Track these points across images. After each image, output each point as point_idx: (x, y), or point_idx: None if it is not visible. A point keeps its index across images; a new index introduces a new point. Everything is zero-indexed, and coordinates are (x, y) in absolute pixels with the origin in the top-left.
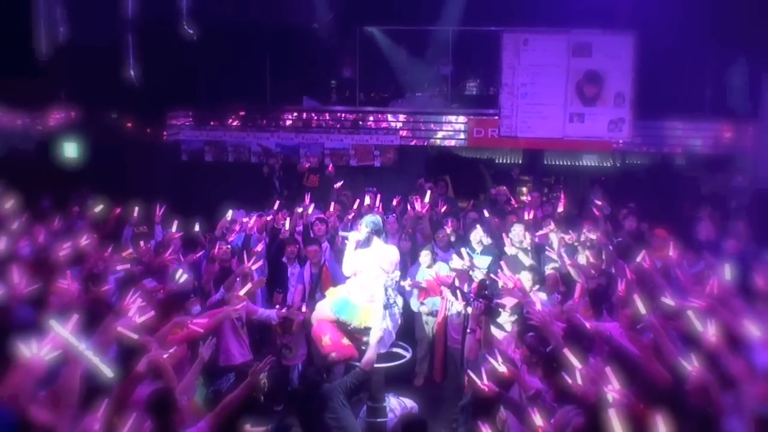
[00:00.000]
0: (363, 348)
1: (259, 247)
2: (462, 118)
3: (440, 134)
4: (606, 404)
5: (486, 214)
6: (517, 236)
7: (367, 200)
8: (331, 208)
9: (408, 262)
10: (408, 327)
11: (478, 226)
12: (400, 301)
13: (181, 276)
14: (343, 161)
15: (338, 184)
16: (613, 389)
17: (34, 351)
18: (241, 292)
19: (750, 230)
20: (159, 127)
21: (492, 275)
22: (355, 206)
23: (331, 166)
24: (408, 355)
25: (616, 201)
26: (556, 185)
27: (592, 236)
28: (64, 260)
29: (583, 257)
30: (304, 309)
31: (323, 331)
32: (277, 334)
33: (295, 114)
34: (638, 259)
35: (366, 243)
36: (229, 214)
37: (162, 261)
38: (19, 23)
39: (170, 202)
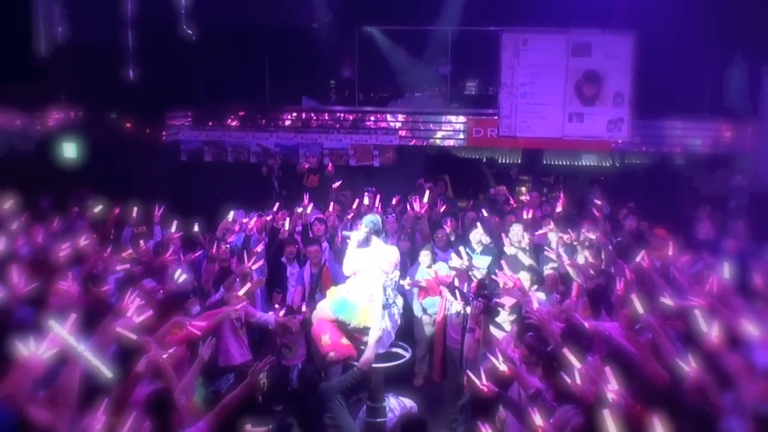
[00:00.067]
0: (362, 348)
1: (259, 248)
2: (461, 118)
3: (439, 134)
4: (605, 404)
5: (485, 213)
6: (516, 236)
7: (366, 200)
8: (330, 208)
9: (407, 262)
10: (407, 327)
11: (477, 225)
12: (399, 301)
13: (181, 276)
14: (343, 161)
15: (337, 184)
16: (611, 389)
17: (33, 351)
18: (241, 292)
19: (749, 230)
20: (158, 127)
21: (491, 275)
22: (355, 206)
23: (330, 166)
24: (407, 355)
25: (615, 201)
26: (555, 185)
27: (592, 236)
28: (63, 260)
29: (582, 257)
30: (304, 309)
31: (323, 331)
32: (276, 334)
33: (295, 114)
34: (638, 258)
35: (365, 243)
36: (231, 214)
37: (161, 261)
38: (19, 23)
39: (169, 202)
